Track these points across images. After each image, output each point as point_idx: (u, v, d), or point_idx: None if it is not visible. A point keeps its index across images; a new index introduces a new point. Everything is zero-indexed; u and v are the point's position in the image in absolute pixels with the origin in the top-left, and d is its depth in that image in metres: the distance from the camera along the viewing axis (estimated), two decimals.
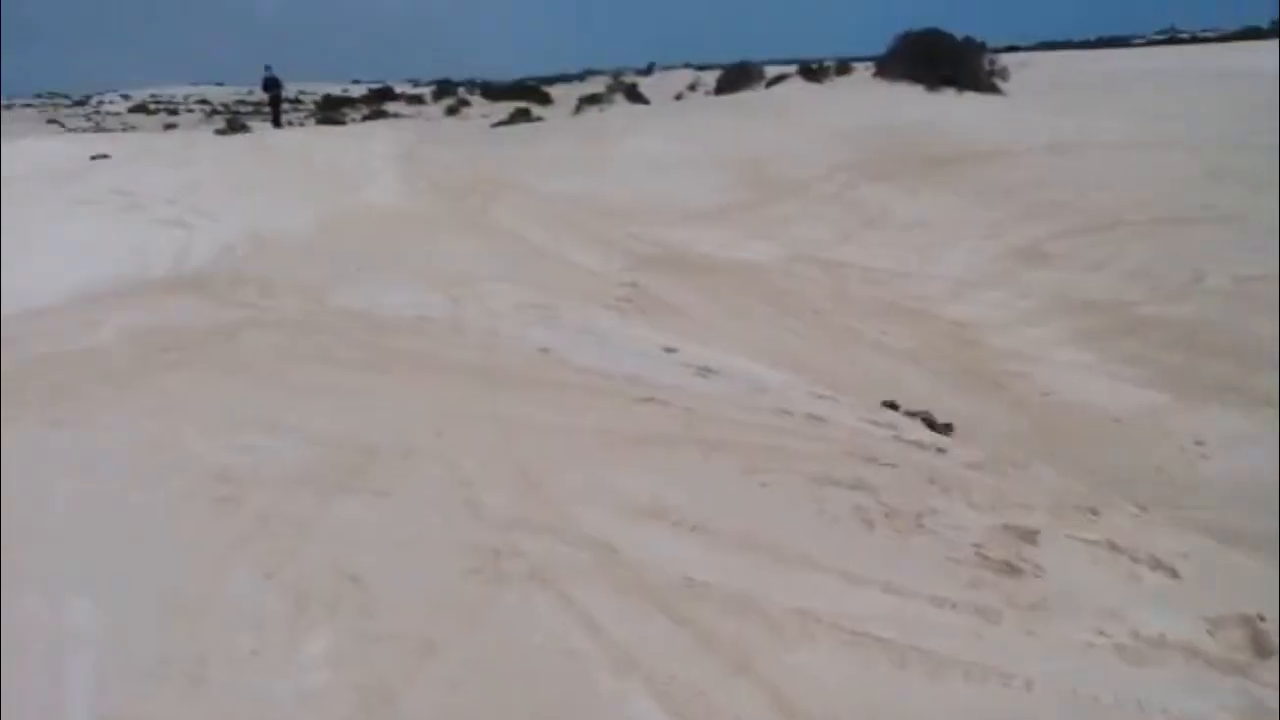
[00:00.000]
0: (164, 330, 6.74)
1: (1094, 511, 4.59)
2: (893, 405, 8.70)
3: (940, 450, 5.33)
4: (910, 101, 22.36)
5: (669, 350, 6.97)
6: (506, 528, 3.60)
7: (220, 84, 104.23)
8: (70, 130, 46.76)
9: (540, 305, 7.91)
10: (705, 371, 6.27)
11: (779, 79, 31.37)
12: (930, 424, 8.97)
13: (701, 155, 17.39)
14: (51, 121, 59.63)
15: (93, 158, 19.17)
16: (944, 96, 22.97)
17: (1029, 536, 4.11)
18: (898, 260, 12.41)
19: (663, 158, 17.30)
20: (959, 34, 25.79)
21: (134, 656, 2.92)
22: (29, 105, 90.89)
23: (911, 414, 8.02)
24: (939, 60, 23.98)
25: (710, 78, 41.97)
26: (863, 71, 29.27)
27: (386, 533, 3.57)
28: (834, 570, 3.52)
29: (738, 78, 33.18)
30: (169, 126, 51.21)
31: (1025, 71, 26.19)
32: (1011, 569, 3.80)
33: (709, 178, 16.03)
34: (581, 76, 65.94)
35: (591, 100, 36.84)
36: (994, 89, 23.93)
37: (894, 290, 11.43)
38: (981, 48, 25.80)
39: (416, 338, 6.51)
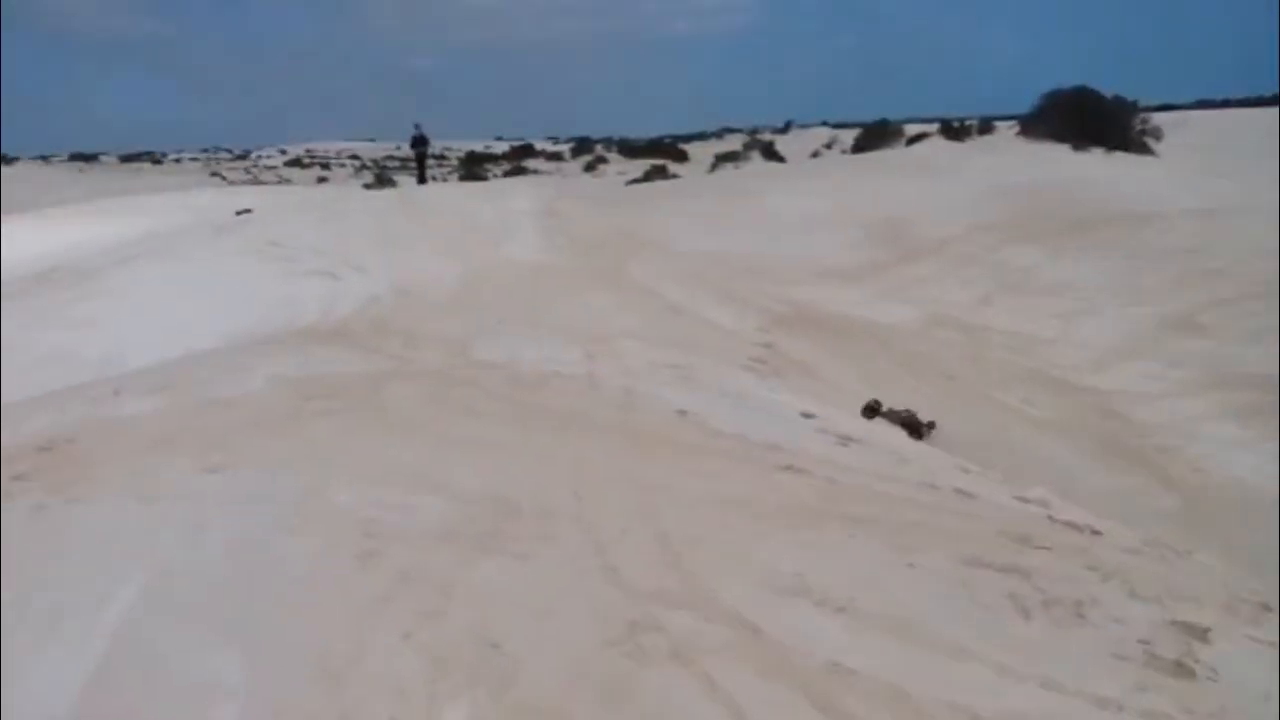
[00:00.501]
0: (312, 379, 6.93)
1: (1267, 607, 4.26)
2: (875, 408, 8.29)
3: (1096, 533, 5.05)
4: (1056, 161, 21.75)
5: (807, 415, 6.84)
6: (646, 599, 3.52)
7: (371, 140, 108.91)
8: (230, 183, 49.47)
9: (676, 365, 7.87)
10: (845, 440, 6.12)
11: (919, 137, 31.02)
12: (910, 426, 8.56)
13: (837, 213, 17.22)
14: (214, 174, 63.20)
15: (238, 213, 20.16)
16: (1092, 156, 22.28)
17: (1200, 634, 3.82)
18: (1040, 326, 12.00)
19: (798, 215, 17.19)
20: (1108, 92, 25.08)
21: (278, 715, 2.94)
22: (195, 159, 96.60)
23: (892, 416, 7.59)
24: (1087, 119, 23.31)
25: (848, 136, 41.79)
26: (1006, 131, 28.70)
27: (526, 598, 3.54)
28: (989, 661, 3.32)
29: (876, 136, 32.97)
30: (321, 180, 53.65)
31: (1180, 131, 25.25)
32: (1183, 670, 3.53)
33: (844, 236, 15.85)
34: (718, 134, 66.51)
35: (728, 158, 37.06)
36: (1146, 149, 23.11)
37: (1036, 357, 11.03)
38: (1133, 106, 25.00)
39: (555, 394, 6.54)
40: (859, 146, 33.24)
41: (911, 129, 34.30)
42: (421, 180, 28.85)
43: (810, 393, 7.94)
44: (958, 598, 3.74)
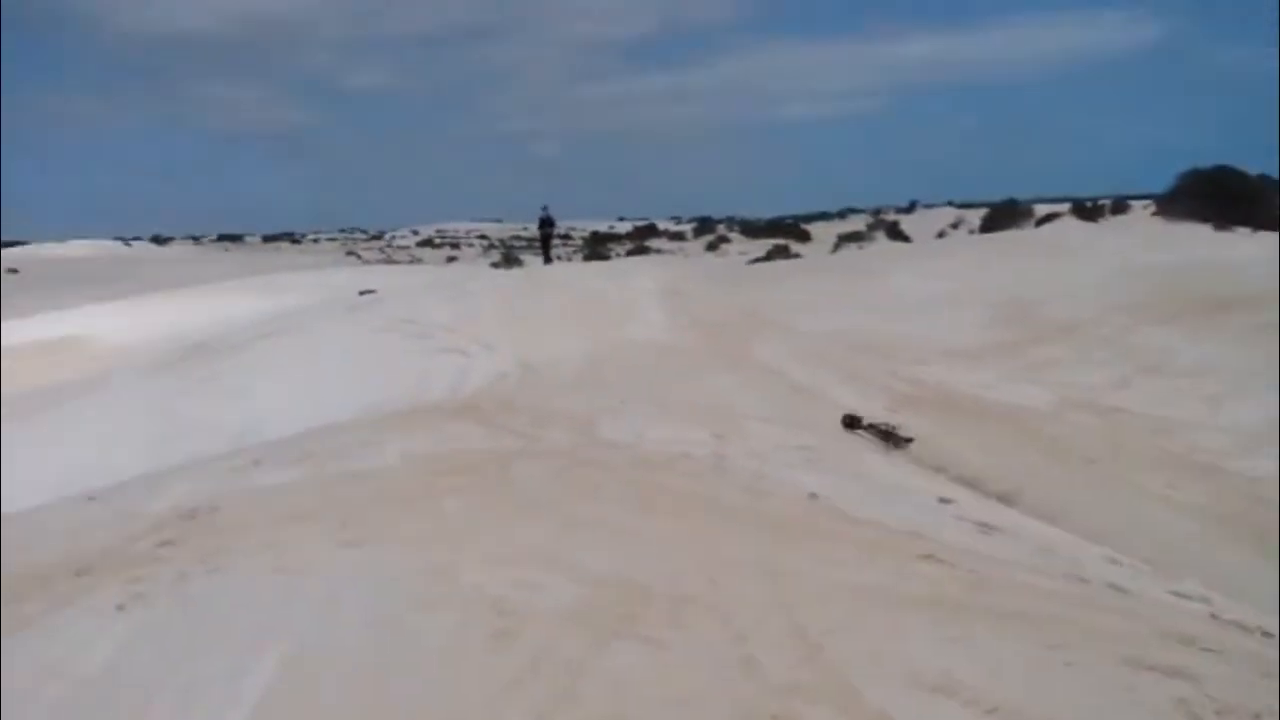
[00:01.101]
0: (443, 455, 7.02)
1: None
2: (855, 421, 7.75)
3: (1267, 635, 4.69)
4: (1195, 241, 20.93)
5: (944, 501, 6.61)
6: (785, 693, 3.39)
7: (499, 220, 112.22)
8: (365, 262, 51.45)
9: (805, 446, 7.73)
10: (986, 528, 5.88)
11: (1049, 217, 30.34)
12: (890, 438, 8.03)
13: (963, 293, 16.86)
14: (350, 254, 65.86)
15: (360, 293, 20.87)
16: (1234, 236, 21.39)
17: None
18: (1182, 409, 11.43)
19: (923, 295, 16.90)
20: (1251, 170, 24.16)
21: None
22: (332, 239, 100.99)
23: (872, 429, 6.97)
24: (1229, 198, 22.44)
25: (975, 216, 41.16)
26: (1141, 210, 27.87)
27: (660, 687, 3.44)
28: None
29: (1004, 215, 32.37)
30: (451, 259, 55.36)
31: None
32: None
33: (971, 316, 15.49)
34: (841, 214, 66.37)
35: (851, 237, 36.90)
36: None
37: (1179, 441, 10.49)
38: (1278, 185, 24.02)
39: (682, 475, 6.47)
40: (987, 226, 32.68)
41: (1041, 208, 33.57)
42: (547, 260, 29.44)
43: (945, 477, 7.70)
44: (1120, 703, 3.50)
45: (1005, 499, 7.78)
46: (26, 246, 67.39)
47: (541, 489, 6.07)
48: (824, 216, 66.65)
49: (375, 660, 3.68)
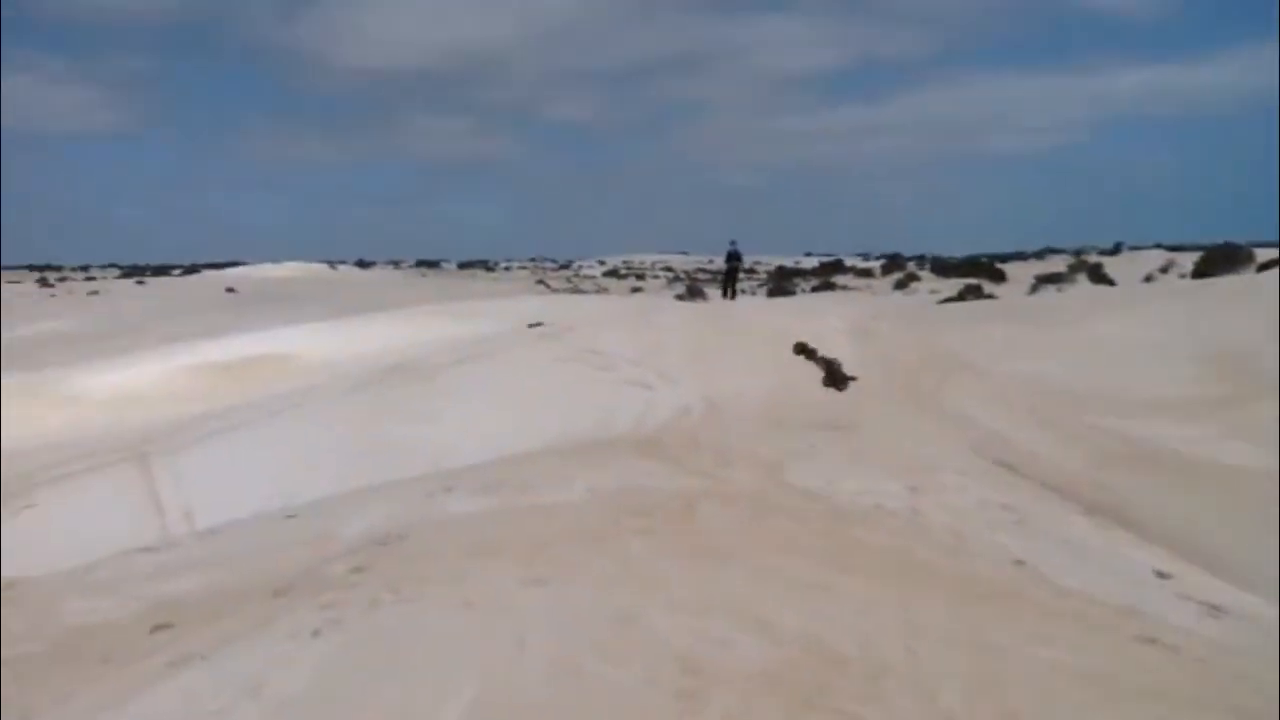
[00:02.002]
0: (629, 492, 6.96)
1: None
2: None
3: None
4: None
5: (1162, 575, 6.08)
6: None
7: (684, 253, 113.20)
8: (553, 290, 52.67)
9: (1007, 505, 7.29)
10: (1214, 610, 5.35)
11: (1273, 263, 28.15)
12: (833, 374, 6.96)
13: (1172, 342, 15.71)
14: (539, 282, 67.64)
15: (530, 325, 21.17)
16: None
17: None
18: None
19: (1127, 342, 15.85)
20: None
21: None
22: (523, 267, 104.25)
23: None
24: None
25: (1187, 259, 38.69)
26: None
27: None
28: None
29: (1220, 259, 30.24)
30: (635, 290, 55.99)
31: None
32: None
33: (1179, 367, 14.39)
34: (1039, 254, 63.71)
35: (1050, 279, 35.21)
36: None
37: None
38: None
39: (876, 530, 6.19)
40: (1200, 271, 30.58)
41: (1262, 253, 31.21)
42: (732, 294, 29.31)
43: (1162, 547, 7.10)
44: None
45: (1228, 575, 7.11)
46: (244, 267, 72.07)
47: (729, 535, 5.91)
48: (1021, 256, 64.12)
49: (560, 709, 3.59)
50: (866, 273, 55.92)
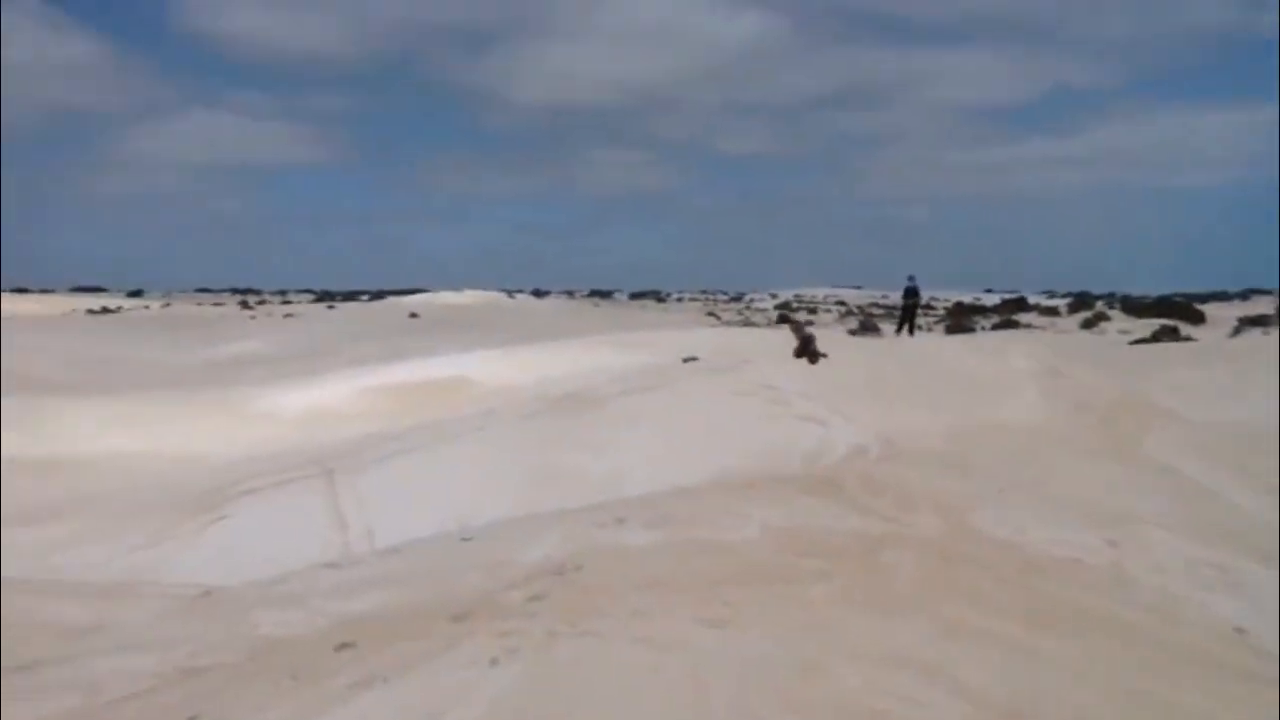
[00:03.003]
0: (805, 532, 6.74)
1: None
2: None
3: None
4: None
5: None
6: None
7: (857, 287, 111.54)
8: (724, 323, 52.58)
9: (1218, 565, 6.70)
10: None
11: None
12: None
13: None
14: (710, 314, 67.76)
15: (684, 360, 20.98)
16: None
17: None
18: None
19: None
20: None
21: None
22: (694, 299, 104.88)
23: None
24: None
25: None
26: None
27: None
28: None
29: None
30: (807, 324, 55.43)
31: None
32: None
33: None
34: (1243, 295, 59.78)
35: (1255, 321, 32.91)
36: None
37: None
38: None
39: (1074, 585, 5.78)
40: None
41: None
42: (910, 331, 28.54)
43: None
44: None
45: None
46: (427, 294, 74.95)
47: (913, 583, 5.62)
48: (1222, 296, 60.36)
49: None
50: (1051, 310, 53.58)
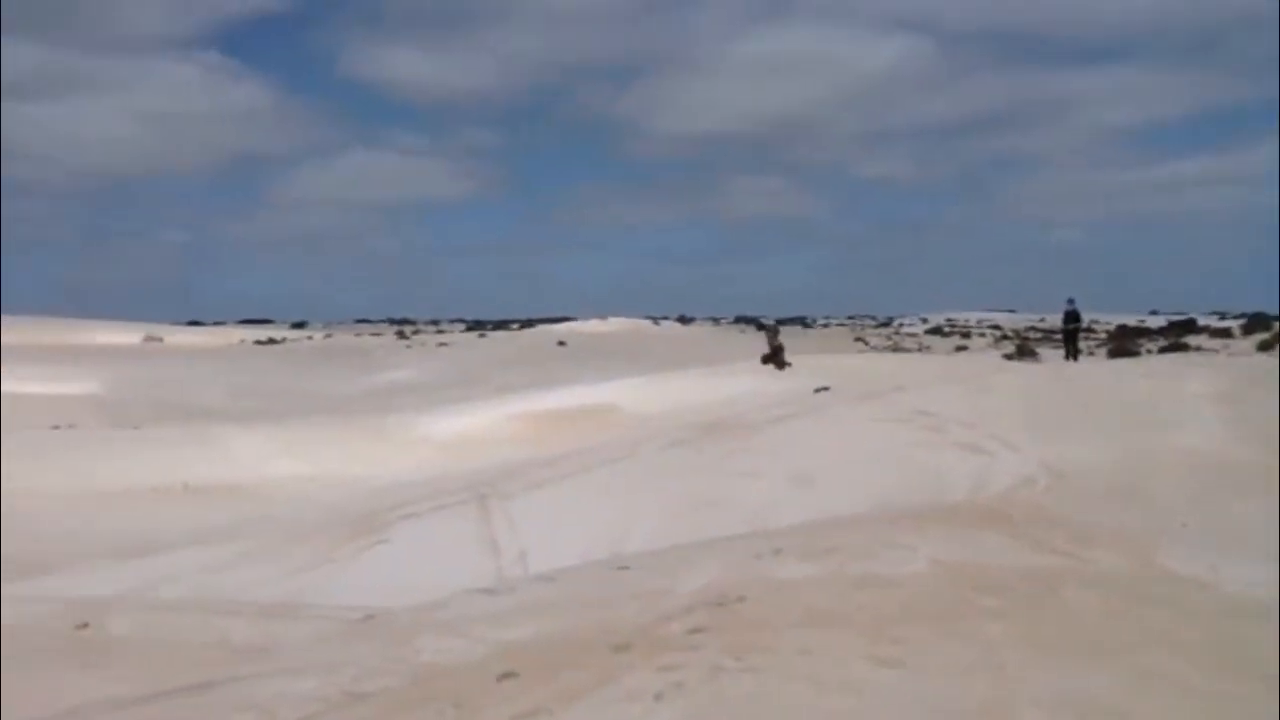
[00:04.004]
0: (977, 567, 6.40)
1: None
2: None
3: None
4: None
5: None
6: None
7: (1012, 310, 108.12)
8: (873, 349, 51.71)
9: None
10: None
11: None
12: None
13: None
14: (857, 339, 66.72)
15: (816, 390, 20.45)
16: None
17: None
18: None
19: None
20: None
21: None
22: (841, 324, 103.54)
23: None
24: None
25: None
26: None
27: None
28: None
29: None
30: (959, 349, 53.90)
31: None
32: None
33: None
34: None
35: None
36: None
37: None
38: None
39: (1276, 631, 5.28)
40: None
41: None
42: (1069, 355, 27.34)
43: None
44: None
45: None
46: (574, 322, 76.21)
47: (1097, 625, 5.24)
48: None
49: None
50: (1224, 333, 50.66)
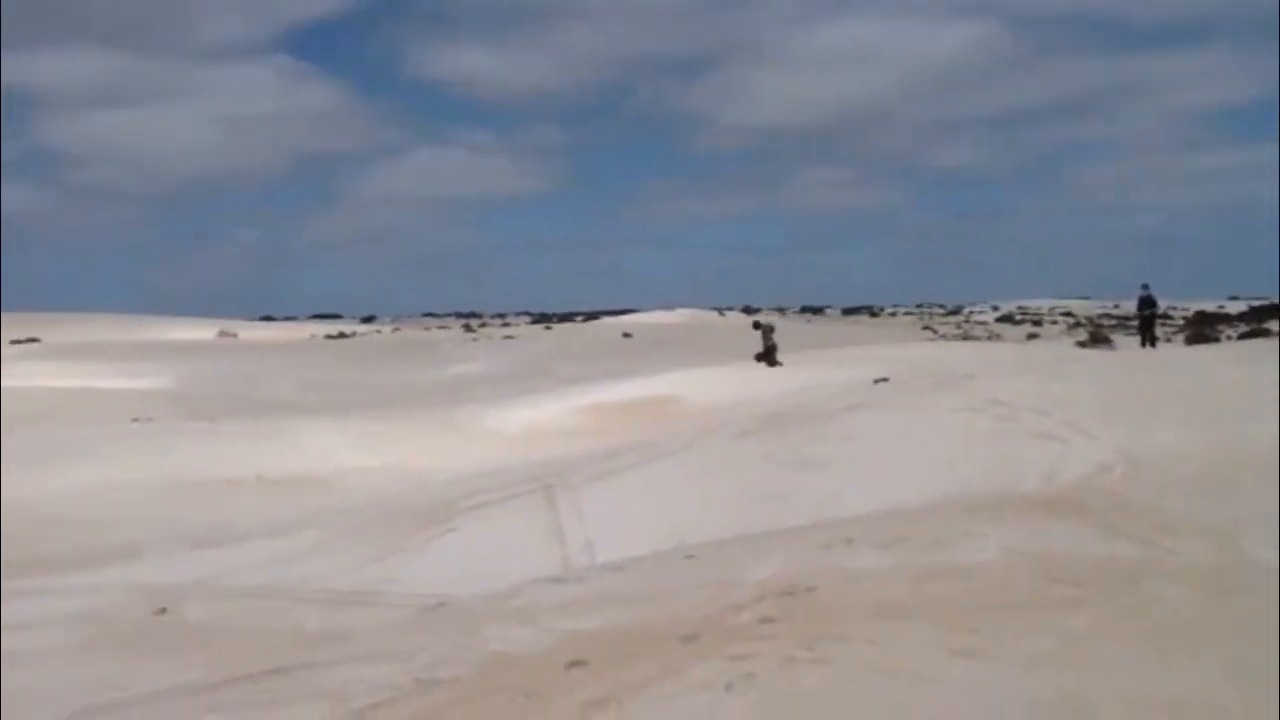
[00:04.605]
0: (1052, 556, 6.24)
1: None
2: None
3: None
4: None
5: None
6: None
7: (1085, 297, 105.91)
8: (942, 337, 50.98)
9: None
10: None
11: None
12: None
13: None
14: (925, 328, 65.82)
15: (875, 381, 20.08)
16: None
17: None
18: None
19: None
20: None
21: None
22: (909, 313, 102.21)
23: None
24: None
25: None
26: None
27: None
28: None
29: None
30: (1031, 337, 52.89)
31: None
32: None
33: None
34: None
35: None
36: None
37: None
38: None
39: None
40: None
41: None
42: (1145, 342, 26.66)
43: None
44: None
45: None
46: (639, 314, 76.27)
47: (1183, 616, 5.06)
48: None
49: None
50: None
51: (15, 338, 59.78)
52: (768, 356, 17.68)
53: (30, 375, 38.18)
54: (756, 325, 16.90)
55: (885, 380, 20.41)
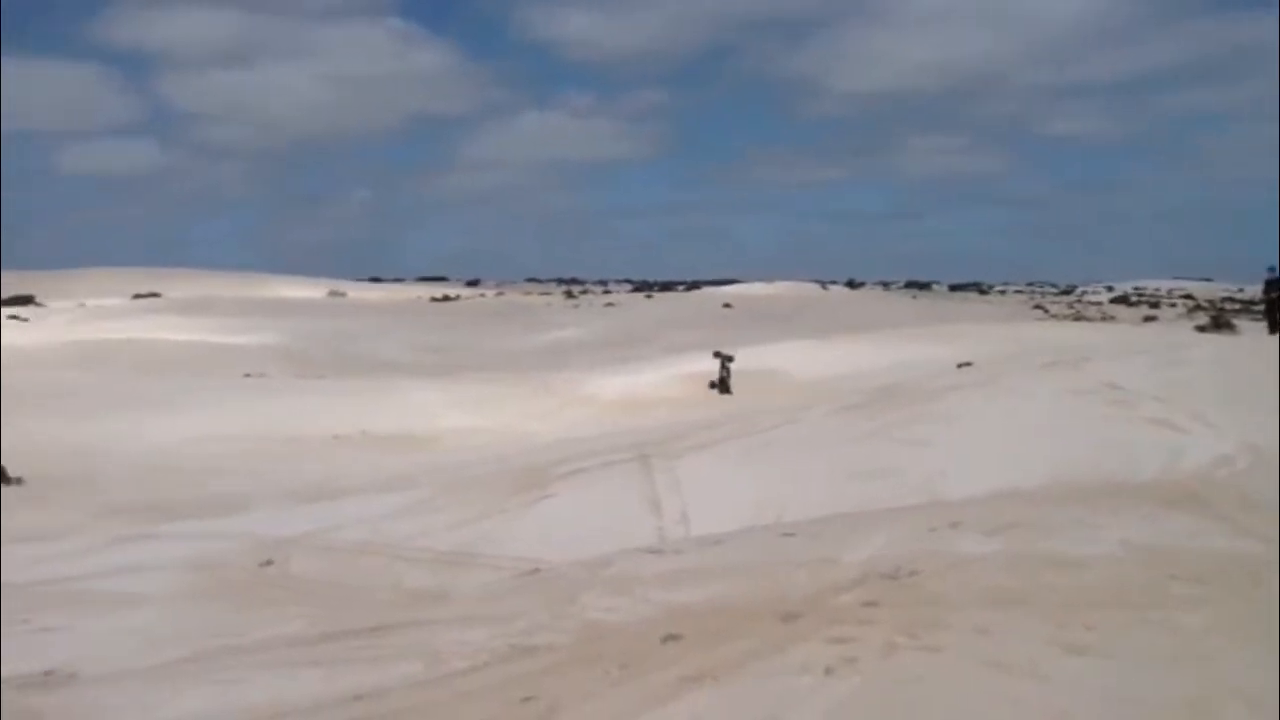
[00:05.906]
0: (1172, 551, 5.98)
1: None
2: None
3: None
4: None
5: None
6: None
7: (1207, 279, 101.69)
8: (1053, 317, 49.51)
9: None
10: None
11: None
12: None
13: None
14: (1036, 307, 64.00)
15: (959, 365, 19.47)
16: None
17: None
18: None
19: None
20: None
21: None
22: (1019, 291, 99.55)
23: None
24: None
25: None
26: None
27: None
28: None
29: None
30: (1148, 319, 50.97)
31: None
32: None
33: None
34: None
35: None
36: None
37: None
38: None
39: None
40: None
41: None
42: (1274, 328, 25.41)
43: None
44: None
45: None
46: (740, 285, 75.76)
47: None
48: None
49: None
50: None
51: (139, 292, 62.75)
52: (722, 386, 19.62)
53: (153, 328, 39.81)
54: (717, 354, 19.99)
55: (969, 364, 19.94)
